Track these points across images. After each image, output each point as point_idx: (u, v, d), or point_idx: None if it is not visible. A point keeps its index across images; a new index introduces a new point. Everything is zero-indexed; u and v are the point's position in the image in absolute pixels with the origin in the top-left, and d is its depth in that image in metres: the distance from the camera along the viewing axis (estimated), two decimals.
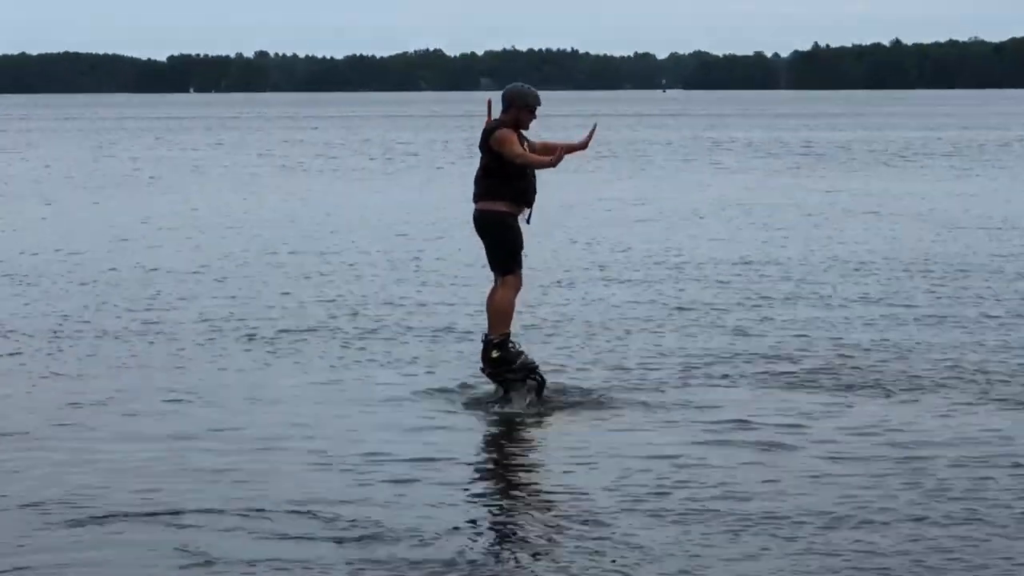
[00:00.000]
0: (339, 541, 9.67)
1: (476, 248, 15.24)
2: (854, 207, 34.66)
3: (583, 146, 14.66)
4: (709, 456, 12.08)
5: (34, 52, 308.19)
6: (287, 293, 20.82)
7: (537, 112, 14.59)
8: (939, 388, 14.54)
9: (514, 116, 14.33)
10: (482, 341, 14.59)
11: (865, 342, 17.12)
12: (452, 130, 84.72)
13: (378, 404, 14.19)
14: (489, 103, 14.64)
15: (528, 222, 14.60)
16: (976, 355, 16.15)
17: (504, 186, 14.31)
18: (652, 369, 15.84)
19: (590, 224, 30.60)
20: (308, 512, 10.31)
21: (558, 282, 21.98)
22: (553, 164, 14.28)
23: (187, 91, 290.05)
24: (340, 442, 12.41)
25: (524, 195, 14.39)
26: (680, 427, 13.21)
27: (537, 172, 14.61)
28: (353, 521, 10.08)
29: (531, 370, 14.62)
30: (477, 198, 14.37)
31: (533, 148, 14.64)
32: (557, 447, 12.89)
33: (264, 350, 16.67)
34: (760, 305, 19.87)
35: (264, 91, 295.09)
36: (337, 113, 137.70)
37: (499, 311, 14.53)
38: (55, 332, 17.68)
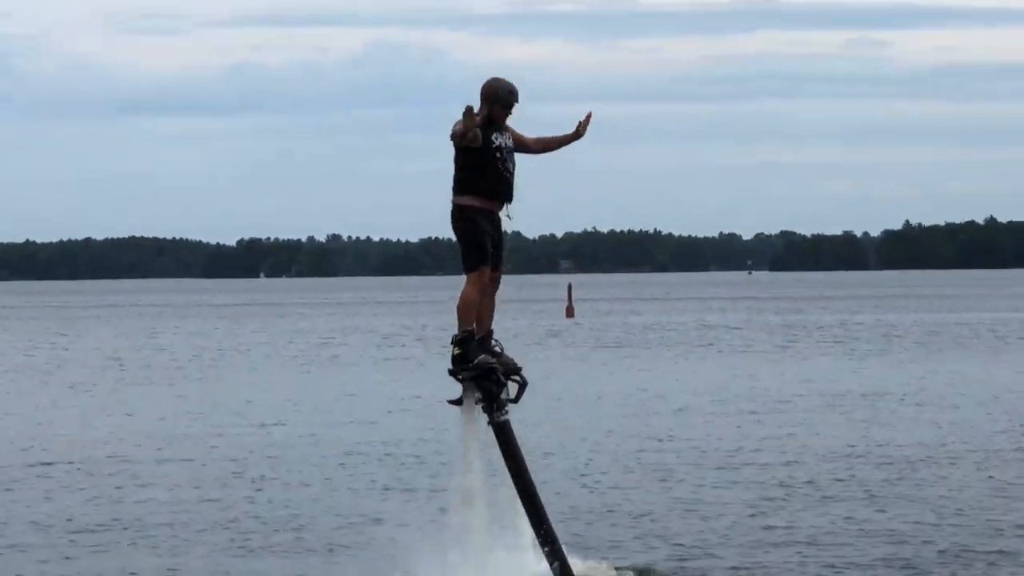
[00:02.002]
0: None
1: None
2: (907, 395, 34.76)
3: (577, 135, 14.25)
4: None
5: (99, 237, 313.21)
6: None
7: (515, 110, 14.07)
8: None
9: (485, 113, 13.93)
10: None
11: None
12: (528, 315, 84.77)
13: None
14: (469, 108, 13.82)
15: (510, 218, 14.17)
16: None
17: (474, 180, 13.98)
18: None
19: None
20: None
21: None
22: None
23: (257, 276, 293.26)
24: None
25: (496, 190, 14.06)
26: None
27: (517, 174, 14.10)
28: None
29: (489, 370, 14.21)
30: (452, 192, 14.09)
31: (526, 144, 14.28)
32: None
33: None
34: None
35: (336, 275, 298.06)
36: (409, 299, 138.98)
37: (460, 308, 14.20)
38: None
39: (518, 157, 13.94)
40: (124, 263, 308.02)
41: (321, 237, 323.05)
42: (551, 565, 14.54)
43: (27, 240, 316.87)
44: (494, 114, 14.06)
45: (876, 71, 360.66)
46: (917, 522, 18.37)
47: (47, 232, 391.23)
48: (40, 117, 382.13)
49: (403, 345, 58.64)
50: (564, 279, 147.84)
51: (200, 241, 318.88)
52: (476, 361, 14.20)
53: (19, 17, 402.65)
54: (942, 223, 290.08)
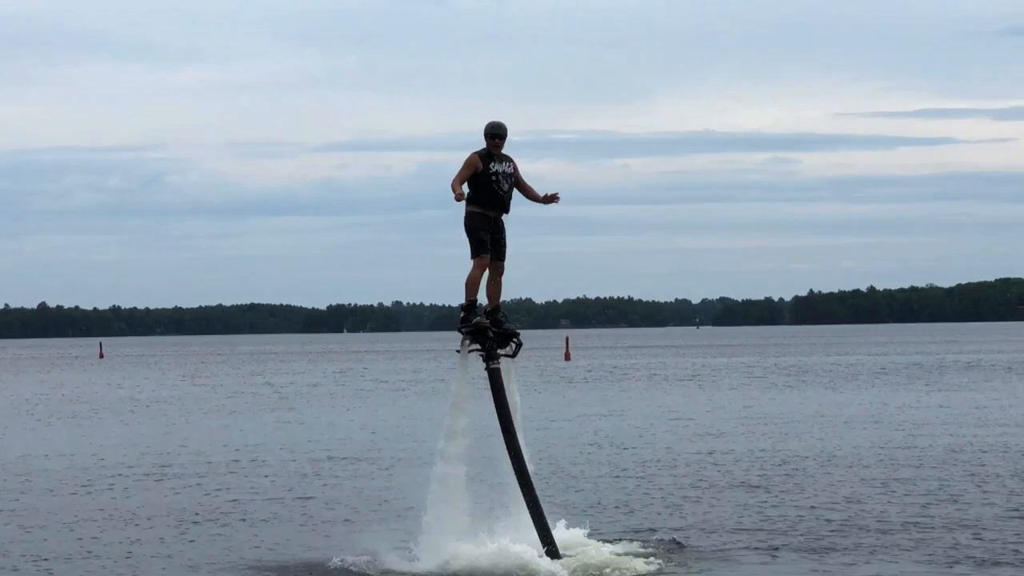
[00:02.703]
0: None
1: None
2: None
3: (546, 202, 14.22)
4: None
5: (228, 303, 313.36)
6: None
7: (494, 139, 13.95)
8: None
9: (487, 145, 14.11)
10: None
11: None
12: (537, 359, 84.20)
13: None
14: (457, 196, 13.89)
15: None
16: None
17: (477, 195, 14.01)
18: None
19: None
20: None
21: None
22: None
23: (342, 331, 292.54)
24: None
25: (492, 203, 14.01)
26: None
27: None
28: None
29: (483, 328, 14.10)
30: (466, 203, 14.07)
31: (520, 182, 14.21)
32: None
33: None
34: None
35: (399, 331, 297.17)
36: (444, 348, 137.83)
37: (467, 283, 14.16)
38: None
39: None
40: (245, 322, 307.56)
41: (388, 302, 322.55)
42: (526, 500, 13.93)
43: (175, 306, 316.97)
44: (491, 146, 14.08)
45: (788, 181, 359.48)
46: (799, 506, 18.14)
47: (190, 300, 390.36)
48: (186, 218, 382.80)
49: (442, 380, 58.65)
50: (563, 333, 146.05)
51: (300, 306, 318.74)
52: (474, 321, 14.16)
53: (173, 147, 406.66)
54: (836, 291, 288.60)
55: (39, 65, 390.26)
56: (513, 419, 14.20)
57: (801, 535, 15.79)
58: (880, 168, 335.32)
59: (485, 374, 14.32)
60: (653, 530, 16.25)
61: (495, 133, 14.06)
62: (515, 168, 14.28)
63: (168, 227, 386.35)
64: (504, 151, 14.21)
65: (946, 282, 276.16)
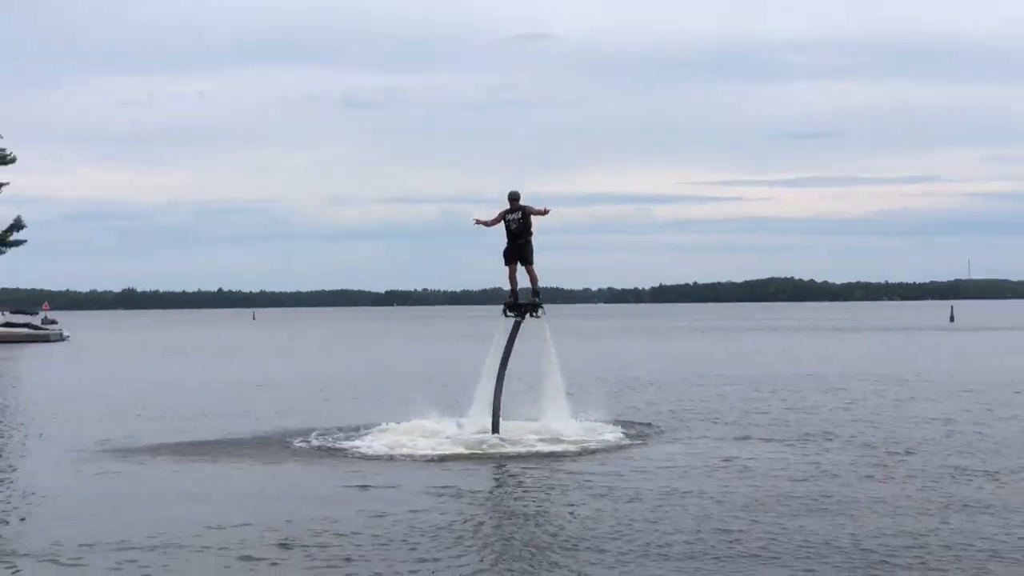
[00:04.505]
0: None
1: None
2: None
3: (542, 214, 20.05)
4: None
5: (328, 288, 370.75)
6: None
7: (511, 201, 20.12)
8: None
9: (506, 209, 20.16)
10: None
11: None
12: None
13: None
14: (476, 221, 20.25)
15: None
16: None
17: (506, 235, 20.36)
18: None
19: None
20: None
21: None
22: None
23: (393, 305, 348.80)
24: None
25: (510, 237, 20.24)
26: None
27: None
28: None
29: (521, 304, 20.41)
30: None
31: (524, 211, 20.08)
32: None
33: None
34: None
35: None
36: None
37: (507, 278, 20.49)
38: None
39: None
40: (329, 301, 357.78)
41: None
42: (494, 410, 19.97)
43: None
44: (510, 202, 20.16)
45: (648, 222, 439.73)
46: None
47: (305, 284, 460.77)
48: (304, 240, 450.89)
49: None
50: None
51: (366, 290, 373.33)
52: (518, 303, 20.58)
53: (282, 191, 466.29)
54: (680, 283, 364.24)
55: None
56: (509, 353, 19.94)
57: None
58: (701, 214, 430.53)
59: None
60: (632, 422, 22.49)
61: (511, 196, 20.10)
62: (523, 212, 20.33)
63: (289, 248, 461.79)
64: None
65: (739, 278, 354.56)
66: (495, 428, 20.24)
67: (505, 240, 20.58)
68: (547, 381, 21.71)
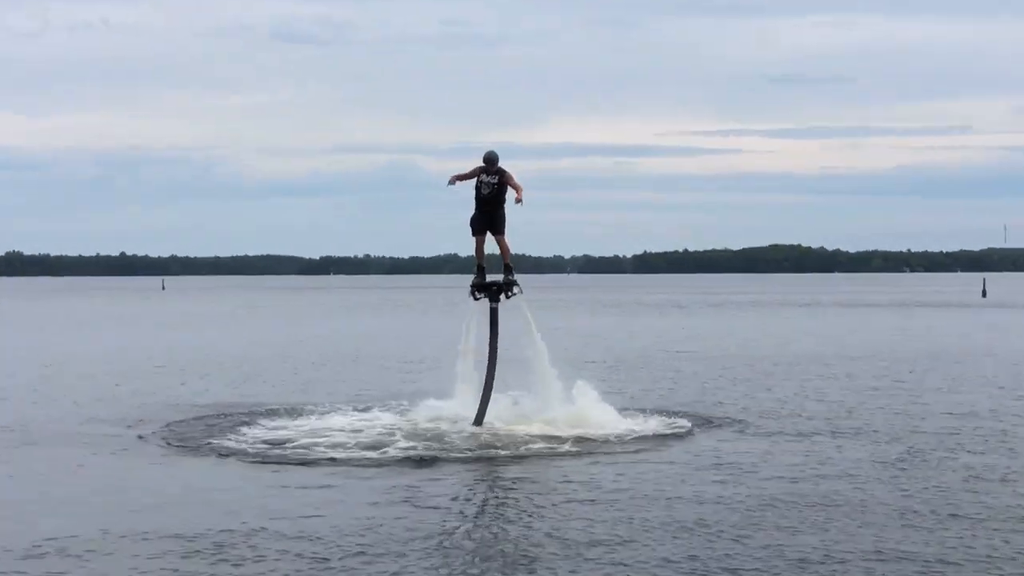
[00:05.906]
0: None
1: None
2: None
3: (517, 200, 19.66)
4: None
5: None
6: None
7: (488, 163, 19.75)
8: None
9: (476, 167, 19.93)
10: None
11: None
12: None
13: None
14: (451, 179, 19.71)
15: (520, 202, 19.62)
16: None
17: (476, 195, 20.10)
18: None
19: None
20: None
21: None
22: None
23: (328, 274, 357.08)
24: None
25: (480, 199, 19.93)
26: None
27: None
28: None
29: (489, 283, 20.01)
30: None
31: (504, 177, 19.79)
32: None
33: None
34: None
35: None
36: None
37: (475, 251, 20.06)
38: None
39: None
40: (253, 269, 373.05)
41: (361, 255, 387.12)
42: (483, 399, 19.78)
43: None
44: (486, 165, 19.98)
45: (631, 176, 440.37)
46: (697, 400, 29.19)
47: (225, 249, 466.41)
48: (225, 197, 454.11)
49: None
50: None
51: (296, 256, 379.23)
52: (480, 280, 20.29)
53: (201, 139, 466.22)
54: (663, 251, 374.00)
55: None
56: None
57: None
58: (691, 169, 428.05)
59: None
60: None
61: (487, 158, 19.89)
62: (501, 178, 20.03)
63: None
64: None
65: (736, 245, 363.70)
66: (479, 420, 20.11)
67: (472, 207, 20.22)
68: (535, 369, 21.07)
